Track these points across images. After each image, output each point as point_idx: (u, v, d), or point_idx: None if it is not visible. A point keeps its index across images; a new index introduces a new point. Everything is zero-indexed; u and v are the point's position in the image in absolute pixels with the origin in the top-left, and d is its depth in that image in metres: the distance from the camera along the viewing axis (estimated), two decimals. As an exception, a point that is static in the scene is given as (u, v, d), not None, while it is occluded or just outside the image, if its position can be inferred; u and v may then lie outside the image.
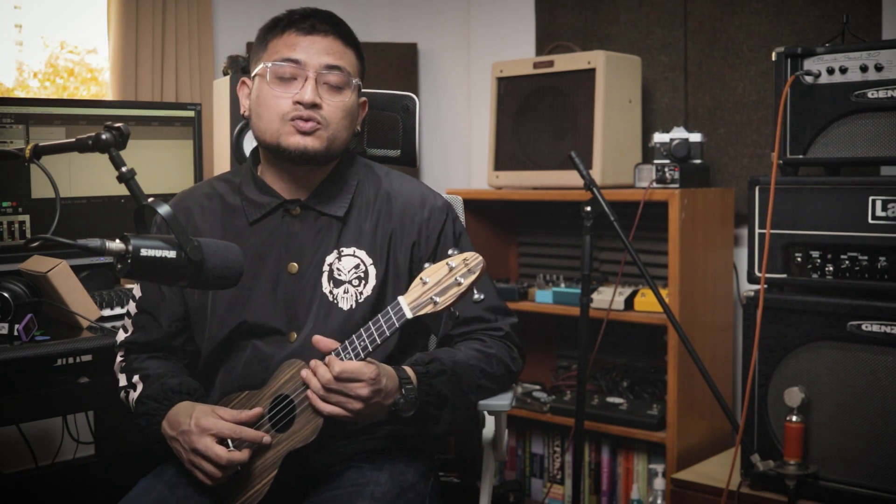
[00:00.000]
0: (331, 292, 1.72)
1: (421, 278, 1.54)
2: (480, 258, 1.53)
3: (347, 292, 1.72)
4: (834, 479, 2.30)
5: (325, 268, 1.73)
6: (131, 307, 1.82)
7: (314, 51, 1.69)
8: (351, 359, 1.55)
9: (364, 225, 1.76)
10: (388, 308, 1.55)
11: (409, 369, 1.64)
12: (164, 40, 3.33)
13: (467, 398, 1.70)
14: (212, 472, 1.57)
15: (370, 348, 1.55)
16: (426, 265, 1.55)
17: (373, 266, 1.74)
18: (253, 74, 1.76)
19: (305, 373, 1.57)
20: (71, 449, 2.93)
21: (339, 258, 1.73)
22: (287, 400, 1.62)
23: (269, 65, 1.70)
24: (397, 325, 1.54)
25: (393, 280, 1.75)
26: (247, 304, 1.72)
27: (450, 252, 1.55)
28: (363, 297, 1.72)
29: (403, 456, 1.72)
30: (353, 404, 1.54)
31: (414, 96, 2.12)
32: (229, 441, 1.59)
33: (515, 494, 3.22)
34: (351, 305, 1.71)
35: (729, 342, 3.01)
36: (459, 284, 1.51)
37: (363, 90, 1.81)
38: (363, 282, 1.73)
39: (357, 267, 1.73)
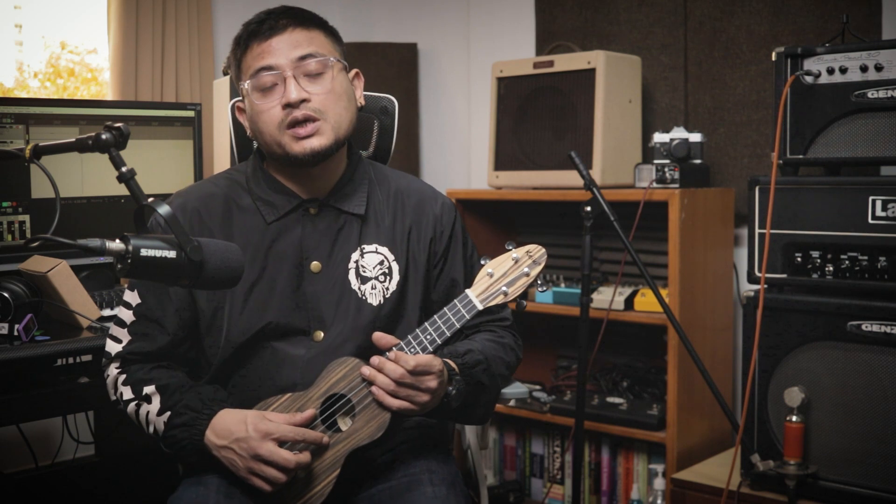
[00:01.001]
0: (359, 289, 1.72)
1: (487, 272, 1.63)
2: (544, 249, 1.65)
3: (375, 288, 1.73)
4: (834, 479, 2.30)
5: (352, 265, 1.73)
6: (125, 316, 1.71)
7: (281, 50, 1.67)
8: (417, 353, 1.59)
9: (383, 222, 1.78)
10: (456, 301, 1.63)
11: (450, 361, 1.66)
12: (164, 40, 3.33)
13: (497, 387, 1.76)
14: (276, 477, 1.53)
15: (438, 341, 1.61)
16: (484, 260, 1.65)
17: (395, 262, 1.76)
18: (242, 97, 1.76)
19: (368, 370, 1.58)
20: (71, 449, 2.93)
21: (362, 255, 1.74)
22: (344, 399, 1.60)
23: (248, 83, 1.69)
24: (468, 317, 1.62)
25: (413, 274, 1.77)
26: (269, 306, 1.69)
27: (507, 246, 1.64)
28: (389, 292, 1.74)
29: (435, 445, 1.77)
30: (421, 397, 1.57)
31: (393, 98, 2.11)
32: None
33: (515, 494, 3.23)
34: (380, 301, 1.73)
35: (729, 342, 3.01)
36: (527, 275, 1.64)
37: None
38: (388, 277, 1.75)
39: (381, 263, 1.75)
